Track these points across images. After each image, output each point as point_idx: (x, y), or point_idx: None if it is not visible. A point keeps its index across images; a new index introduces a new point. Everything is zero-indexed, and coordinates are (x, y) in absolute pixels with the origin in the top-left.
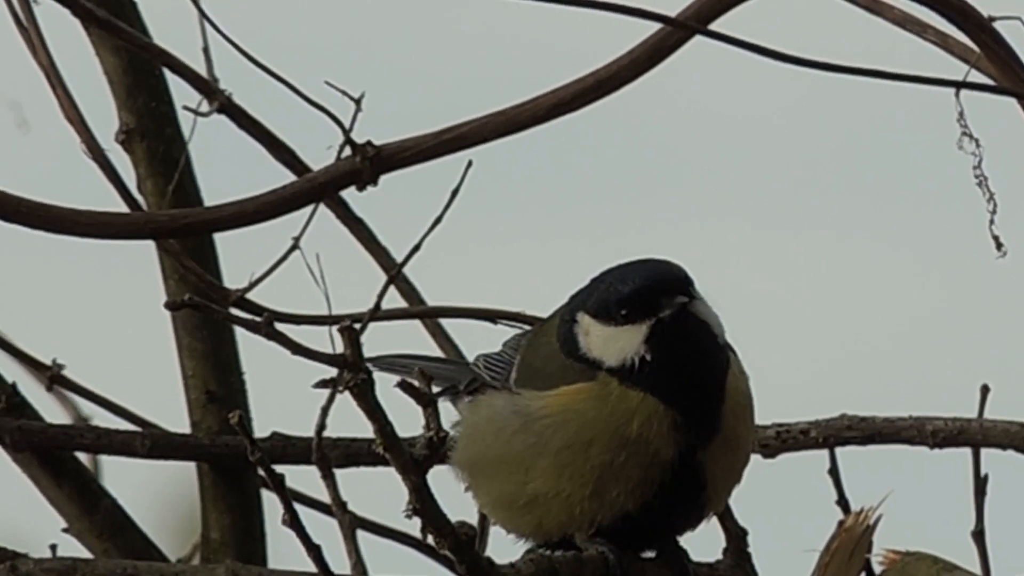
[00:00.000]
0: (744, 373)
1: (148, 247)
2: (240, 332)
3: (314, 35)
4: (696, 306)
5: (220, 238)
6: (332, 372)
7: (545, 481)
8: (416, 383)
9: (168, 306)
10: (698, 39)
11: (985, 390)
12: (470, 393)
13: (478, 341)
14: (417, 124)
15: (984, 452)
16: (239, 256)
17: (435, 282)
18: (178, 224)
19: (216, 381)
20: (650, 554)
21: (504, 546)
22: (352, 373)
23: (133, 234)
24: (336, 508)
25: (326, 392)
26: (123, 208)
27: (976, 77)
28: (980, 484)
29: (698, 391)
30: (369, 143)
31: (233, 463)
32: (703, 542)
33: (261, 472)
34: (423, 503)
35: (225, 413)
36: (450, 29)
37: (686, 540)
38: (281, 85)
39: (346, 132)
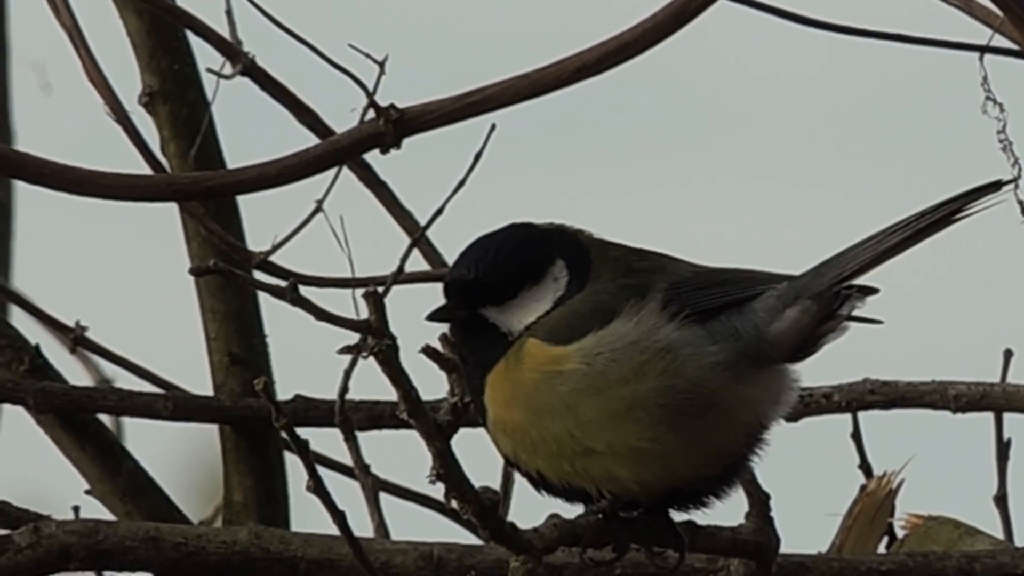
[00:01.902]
0: (550, 361)
1: (171, 209)
2: (263, 294)
3: None
4: (452, 312)
5: (243, 200)
6: (356, 337)
7: None
8: (441, 348)
9: (193, 272)
10: (722, 3)
11: (1008, 354)
12: None
13: None
14: (440, 87)
15: (1007, 416)
16: (262, 219)
17: (458, 245)
18: (201, 186)
19: (239, 343)
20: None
21: (527, 511)
22: (376, 339)
23: (156, 196)
24: (359, 471)
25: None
26: (146, 170)
27: (1000, 41)
28: (1002, 448)
29: (470, 379)
30: (392, 106)
31: (256, 425)
32: (726, 506)
33: (285, 437)
34: (447, 469)
35: (248, 375)
36: None
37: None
38: (304, 48)
39: (369, 95)
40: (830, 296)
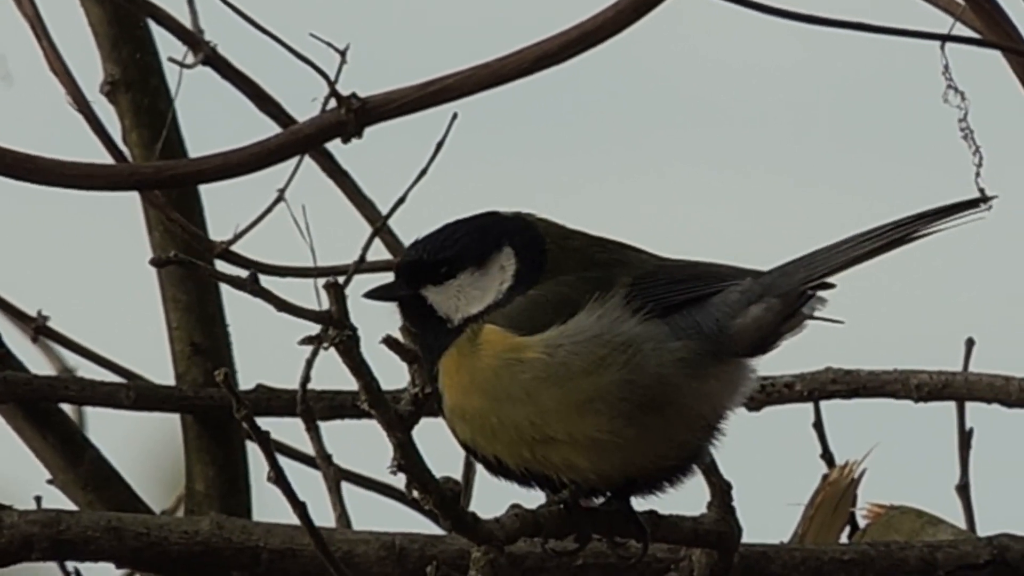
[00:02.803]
0: (508, 348)
1: (133, 198)
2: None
3: None
4: (393, 290)
5: (205, 190)
6: (317, 327)
7: None
8: (401, 339)
9: (154, 262)
10: None
11: (970, 344)
12: None
13: None
14: (402, 76)
15: (969, 405)
16: (224, 208)
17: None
18: (163, 176)
19: (201, 333)
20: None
21: (488, 501)
22: (337, 330)
23: (118, 185)
24: (321, 461)
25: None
26: (108, 160)
27: (961, 30)
28: (965, 438)
29: (425, 364)
30: (354, 95)
31: (218, 415)
32: (688, 496)
33: (247, 428)
34: (408, 459)
35: (210, 365)
36: None
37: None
38: (266, 37)
39: (331, 84)
40: (796, 295)
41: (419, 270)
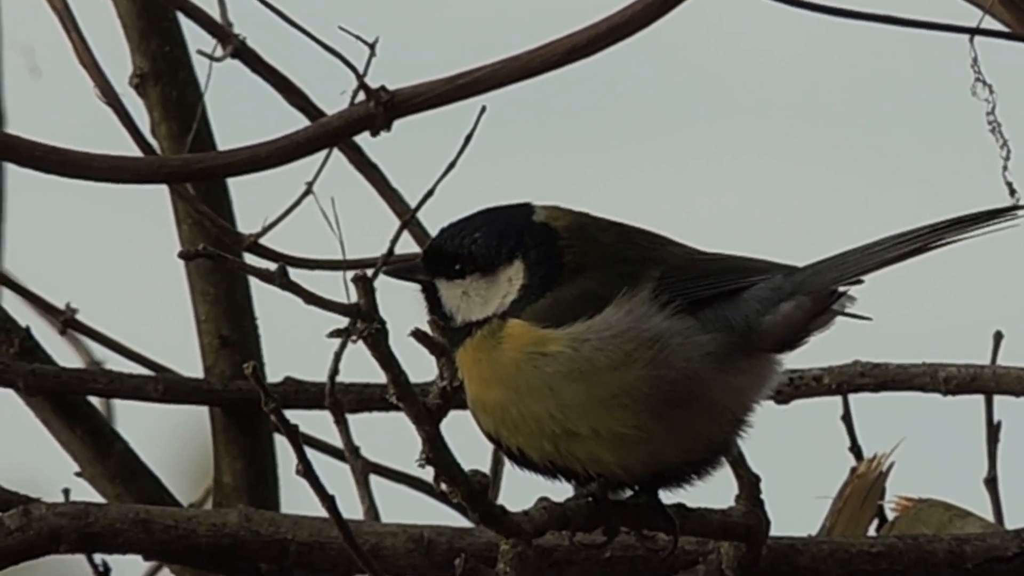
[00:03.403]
0: (529, 344)
1: (162, 191)
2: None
3: None
4: (412, 271)
5: (234, 183)
6: (345, 320)
7: None
8: (430, 332)
9: (182, 256)
10: None
11: (998, 337)
12: None
13: None
14: (431, 69)
15: (997, 399)
16: (253, 201)
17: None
18: (192, 168)
19: (229, 326)
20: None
21: (517, 494)
22: (365, 323)
23: (147, 178)
24: (349, 453)
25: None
26: (137, 152)
27: (990, 23)
28: (993, 431)
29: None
30: (383, 88)
31: (246, 408)
32: (716, 489)
33: (275, 421)
34: (436, 452)
35: (238, 358)
36: None
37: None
38: (295, 30)
39: (360, 77)
40: (826, 294)
41: (438, 258)
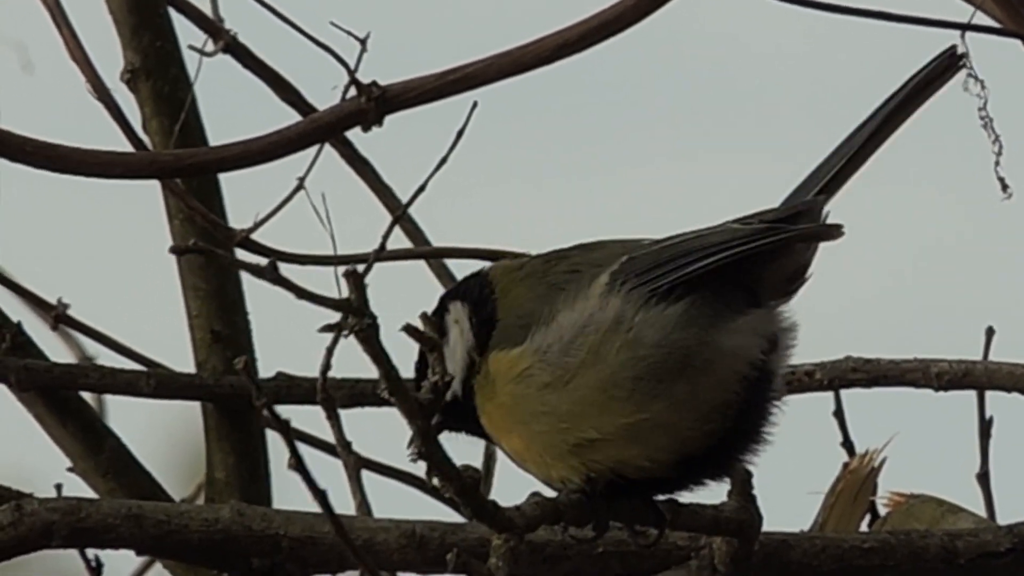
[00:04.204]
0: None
1: (153, 187)
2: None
3: None
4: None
5: (225, 178)
6: (337, 315)
7: None
8: (422, 327)
9: (173, 251)
10: None
11: (990, 332)
12: None
13: None
14: (422, 65)
15: (989, 394)
16: (244, 196)
17: (440, 223)
18: (183, 164)
19: (221, 321)
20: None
21: (508, 489)
22: (357, 318)
23: (138, 174)
24: (341, 449)
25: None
26: (128, 148)
27: (981, 19)
28: (985, 426)
29: None
30: (374, 83)
31: (238, 403)
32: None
33: (267, 416)
34: (428, 447)
35: (230, 353)
36: None
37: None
38: (286, 25)
39: (351, 72)
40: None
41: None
